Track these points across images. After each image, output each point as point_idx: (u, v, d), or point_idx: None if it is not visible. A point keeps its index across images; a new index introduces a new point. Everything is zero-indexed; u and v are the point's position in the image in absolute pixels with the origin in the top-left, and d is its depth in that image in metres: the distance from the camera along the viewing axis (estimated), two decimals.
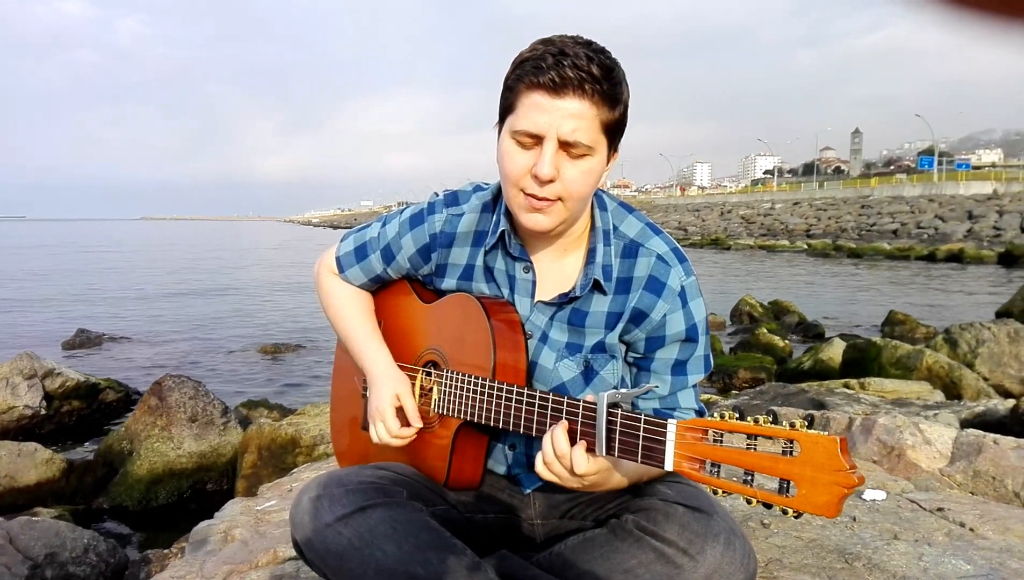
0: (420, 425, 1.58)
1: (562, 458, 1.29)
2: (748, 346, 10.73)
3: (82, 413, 7.40)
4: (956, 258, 31.19)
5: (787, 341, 11.16)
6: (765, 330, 11.17)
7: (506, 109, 1.40)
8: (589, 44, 1.33)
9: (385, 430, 1.58)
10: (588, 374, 1.52)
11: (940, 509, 2.58)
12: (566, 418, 1.32)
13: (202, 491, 5.41)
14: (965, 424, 4.25)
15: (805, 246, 41.29)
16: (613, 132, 1.38)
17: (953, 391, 6.93)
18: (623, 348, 1.53)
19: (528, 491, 1.61)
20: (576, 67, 1.29)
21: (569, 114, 1.31)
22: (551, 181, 1.35)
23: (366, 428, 1.73)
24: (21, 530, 3.52)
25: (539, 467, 1.33)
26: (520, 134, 1.35)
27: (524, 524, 1.61)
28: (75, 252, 50.34)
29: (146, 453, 5.41)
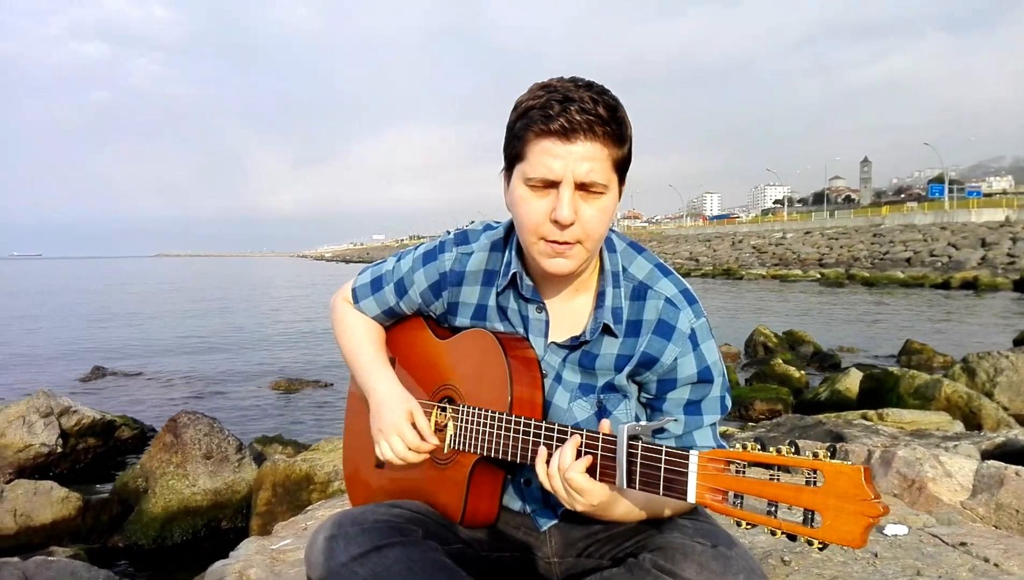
0: (436, 442, 1.57)
1: (561, 471, 1.31)
2: (763, 377, 10.65)
3: (98, 451, 7.42)
4: (971, 286, 30.99)
5: (803, 372, 11.07)
6: (780, 361, 11.10)
7: (515, 157, 1.40)
8: (591, 86, 1.35)
9: (402, 444, 1.55)
10: (601, 414, 1.51)
11: (963, 544, 2.54)
12: (585, 450, 1.32)
13: (217, 529, 5.39)
14: (986, 455, 4.19)
15: (818, 275, 41.14)
16: (622, 168, 1.41)
17: (973, 421, 6.84)
18: (635, 388, 1.53)
19: (544, 528, 1.59)
20: (583, 111, 1.31)
21: (582, 157, 1.33)
22: (571, 224, 1.36)
23: (380, 466, 1.72)
24: (37, 570, 3.51)
25: (540, 475, 1.35)
26: (535, 181, 1.36)
27: (540, 563, 1.59)
28: (91, 290, 50.77)
29: (161, 491, 5.41)
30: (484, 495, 1.56)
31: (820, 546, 1.05)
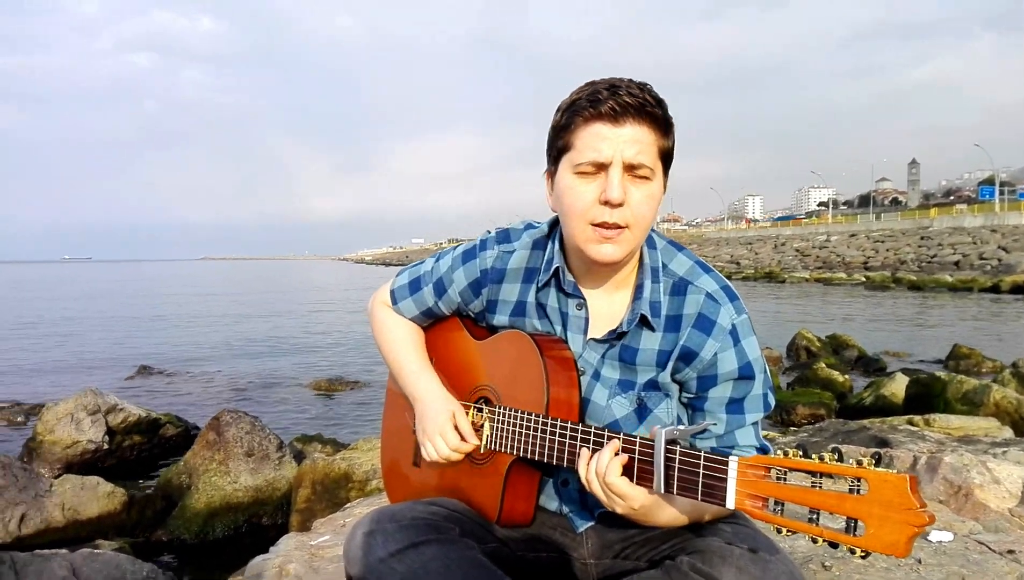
0: (477, 442, 1.58)
1: (599, 474, 1.31)
2: (806, 381, 10.48)
3: (143, 447, 7.57)
4: (1022, 290, 30.19)
5: (847, 376, 10.86)
6: (823, 365, 10.91)
7: (561, 150, 1.43)
8: (632, 80, 1.39)
9: (444, 443, 1.58)
10: (641, 412, 1.51)
11: (1011, 551, 2.48)
12: (622, 454, 1.32)
13: (257, 525, 5.47)
14: None
15: (863, 279, 40.42)
16: (666, 161, 1.43)
17: (1023, 427, 6.67)
18: (676, 388, 1.52)
19: (581, 530, 1.59)
20: (631, 95, 1.34)
21: (631, 139, 1.35)
22: (620, 205, 1.37)
23: (417, 464, 1.74)
24: (84, 562, 3.59)
25: (581, 477, 1.35)
26: (584, 165, 1.38)
27: (577, 564, 1.59)
28: (138, 291, 51.91)
29: (204, 487, 5.51)
30: (520, 495, 1.57)
31: (863, 555, 1.04)
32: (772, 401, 1.51)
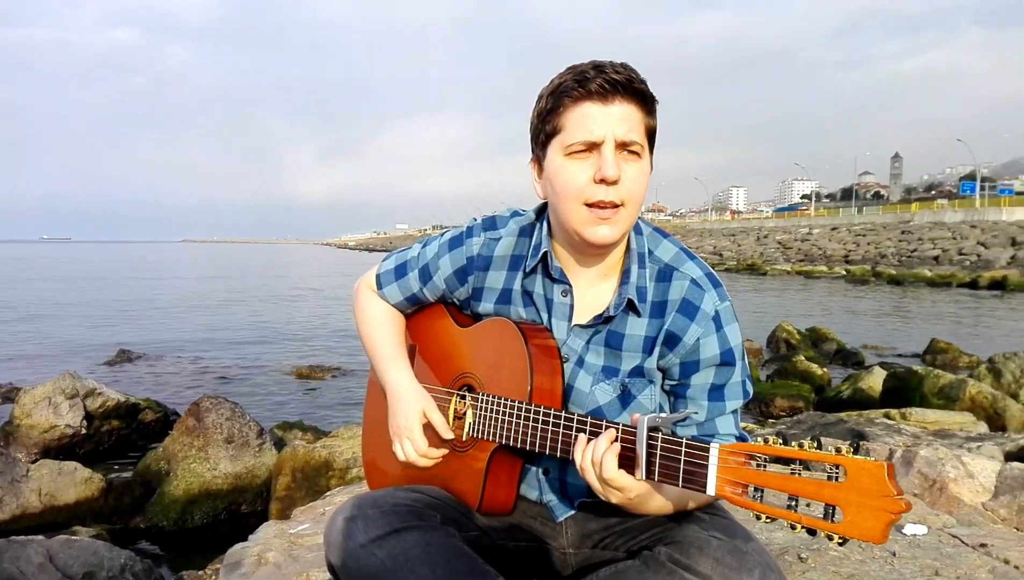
0: (451, 437, 1.59)
1: (595, 464, 1.31)
2: (785, 374, 10.57)
3: (121, 433, 7.51)
4: (999, 285, 30.51)
5: (825, 369, 10.97)
6: (803, 357, 11.00)
7: (550, 134, 1.44)
8: (613, 61, 1.41)
9: (412, 448, 1.59)
10: (625, 398, 1.52)
11: (983, 545, 2.51)
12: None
13: (237, 512, 5.45)
14: (1010, 457, 4.14)
15: (843, 272, 40.70)
16: (652, 139, 1.45)
17: (997, 422, 6.77)
18: (660, 375, 1.53)
19: (560, 519, 1.60)
20: (618, 72, 1.37)
21: (620, 117, 1.38)
22: (616, 182, 1.39)
23: None
24: (60, 549, 3.57)
25: (577, 465, 1.35)
26: (576, 145, 1.40)
27: (556, 553, 1.60)
28: (118, 273, 51.41)
29: (183, 474, 5.48)
30: (502, 483, 1.57)
31: (840, 541, 1.05)
32: (750, 389, 1.53)
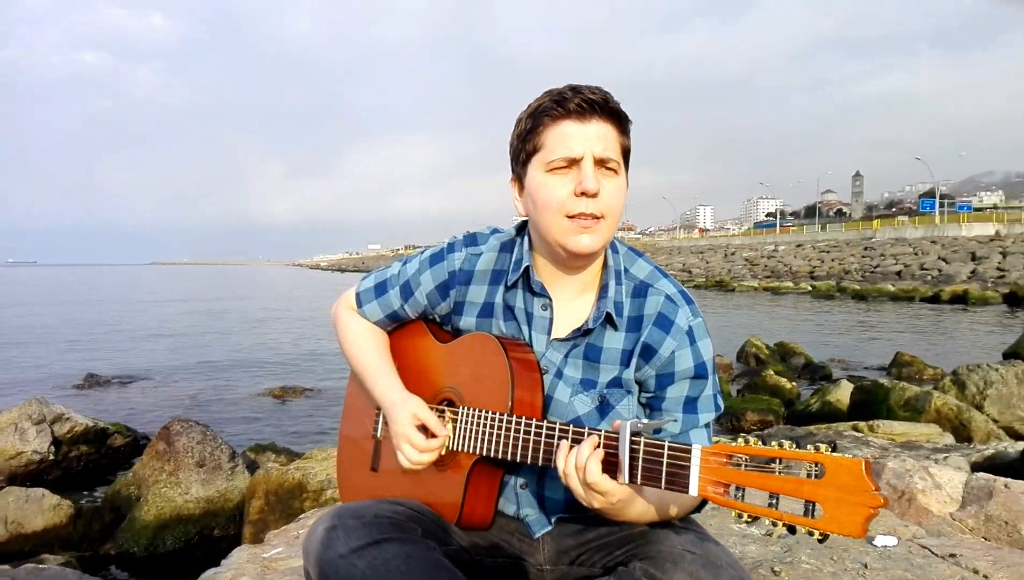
0: (447, 433, 1.59)
1: (579, 469, 1.33)
2: (755, 388, 10.68)
3: (90, 458, 7.39)
4: (961, 299, 31.10)
5: (794, 383, 11.11)
6: (772, 372, 11.13)
7: (531, 152, 1.50)
8: (588, 84, 1.49)
9: (411, 448, 1.59)
10: (603, 408, 1.55)
11: (952, 555, 2.56)
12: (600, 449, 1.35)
13: (209, 537, 5.37)
14: (975, 467, 4.23)
15: (809, 288, 41.24)
16: (627, 159, 1.52)
17: (963, 434, 6.88)
18: (637, 387, 1.57)
19: (537, 536, 1.61)
20: (594, 93, 1.45)
21: (597, 135, 1.45)
22: (596, 195, 1.45)
23: (375, 469, 1.75)
24: (27, 577, 3.50)
25: (559, 470, 1.37)
26: (557, 161, 1.46)
27: (532, 570, 1.61)
28: (85, 297, 50.55)
29: (153, 499, 5.40)
30: (481, 496, 1.58)
31: (820, 537, 1.08)
32: (721, 404, 1.58)
